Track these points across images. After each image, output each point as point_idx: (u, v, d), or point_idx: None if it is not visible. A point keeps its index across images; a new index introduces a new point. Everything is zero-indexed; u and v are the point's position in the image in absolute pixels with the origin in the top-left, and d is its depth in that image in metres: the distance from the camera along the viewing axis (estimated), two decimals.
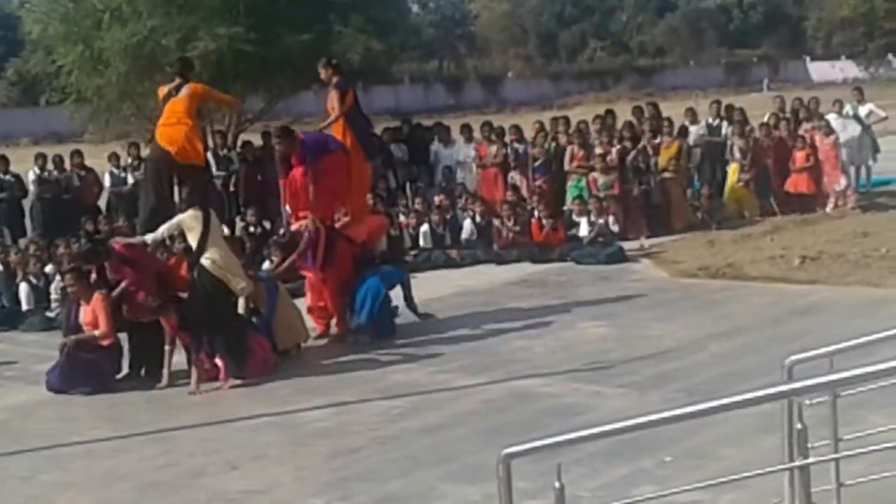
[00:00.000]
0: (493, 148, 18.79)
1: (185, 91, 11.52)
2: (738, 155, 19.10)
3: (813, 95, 21.55)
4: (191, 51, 17.93)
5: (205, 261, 10.68)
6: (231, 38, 18.46)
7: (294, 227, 12.57)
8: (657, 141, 18.77)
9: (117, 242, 11.47)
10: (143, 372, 11.06)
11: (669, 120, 19.51)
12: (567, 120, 20.01)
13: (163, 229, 10.97)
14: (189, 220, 10.81)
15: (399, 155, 19.23)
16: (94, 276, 11.25)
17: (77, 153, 19.14)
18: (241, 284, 10.91)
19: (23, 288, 14.35)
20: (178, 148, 11.47)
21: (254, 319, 11.49)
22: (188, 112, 11.44)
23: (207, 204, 11.51)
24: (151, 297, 10.62)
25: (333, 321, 12.37)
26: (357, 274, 12.23)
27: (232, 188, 18.51)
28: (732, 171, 19.15)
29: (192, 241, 10.79)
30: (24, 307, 14.25)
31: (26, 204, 18.86)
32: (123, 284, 10.97)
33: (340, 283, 12.22)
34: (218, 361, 10.67)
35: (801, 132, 19.61)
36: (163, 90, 11.94)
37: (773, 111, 20.65)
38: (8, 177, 18.70)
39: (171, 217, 11.07)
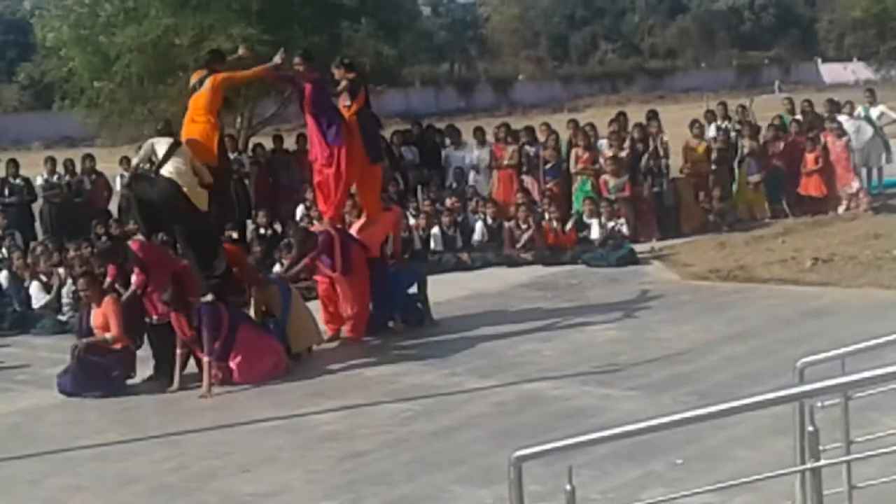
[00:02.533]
0: (510, 150, 18.76)
1: (206, 84, 11.49)
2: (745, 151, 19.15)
3: (829, 97, 21.49)
4: (205, 50, 17.96)
5: (165, 172, 10.96)
6: (245, 39, 18.49)
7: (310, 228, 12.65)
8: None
9: (135, 241, 11.47)
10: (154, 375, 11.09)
11: (698, 122, 19.54)
12: (576, 123, 20.01)
13: (140, 154, 11.36)
14: (160, 143, 11.14)
15: (410, 157, 19.22)
16: (109, 279, 11.28)
17: (89, 157, 19.20)
18: (200, 188, 11.14)
19: (34, 286, 14.40)
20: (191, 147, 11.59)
21: (269, 323, 11.51)
22: (208, 107, 11.42)
23: (221, 205, 11.72)
24: (164, 292, 10.64)
25: (345, 326, 12.39)
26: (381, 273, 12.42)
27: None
28: (740, 172, 19.14)
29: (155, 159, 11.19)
30: (36, 305, 14.29)
31: (36, 208, 18.91)
32: (133, 287, 10.98)
33: (356, 289, 12.23)
34: (231, 364, 10.67)
35: (810, 134, 19.56)
36: (196, 76, 11.90)
37: (785, 114, 20.64)
38: (17, 181, 18.72)
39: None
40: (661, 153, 18.64)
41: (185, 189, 10.86)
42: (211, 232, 11.40)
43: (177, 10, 19.43)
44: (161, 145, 11.09)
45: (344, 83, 12.51)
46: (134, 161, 11.80)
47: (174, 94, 19.47)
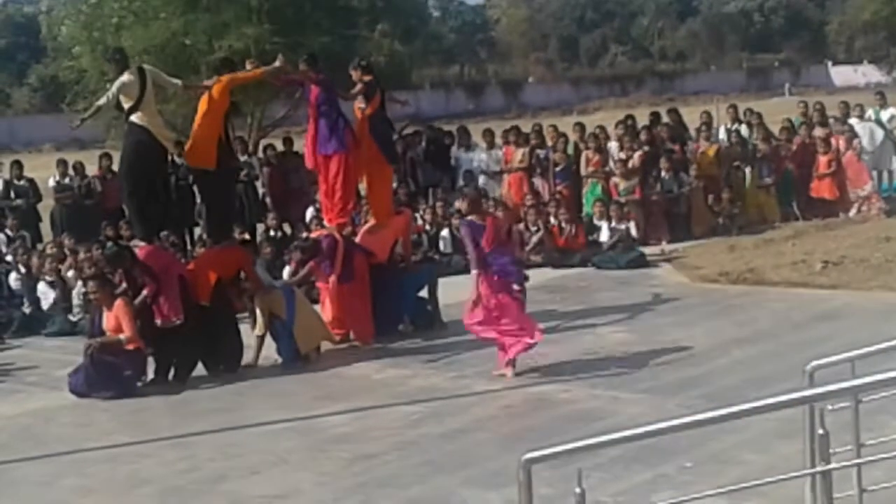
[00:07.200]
0: (520, 152, 18.76)
1: (212, 86, 11.57)
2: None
3: (841, 100, 21.44)
4: (216, 52, 17.99)
5: (134, 118, 11.26)
6: (257, 39, 18.49)
7: (315, 234, 12.65)
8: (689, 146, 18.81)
9: (142, 248, 11.46)
10: (170, 376, 11.11)
11: (707, 125, 19.48)
12: (583, 126, 20.00)
13: (110, 92, 11.54)
14: (128, 83, 11.33)
15: (419, 158, 19.22)
16: (122, 283, 11.28)
17: (106, 156, 19.00)
18: (170, 138, 11.65)
19: (41, 286, 14.44)
20: (188, 151, 11.69)
21: (276, 327, 11.53)
22: (209, 111, 11.49)
23: (225, 209, 11.83)
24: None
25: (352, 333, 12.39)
26: (388, 278, 12.43)
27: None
28: (752, 175, 19.11)
29: (126, 104, 11.35)
30: (45, 306, 14.32)
31: (42, 209, 18.90)
32: (144, 293, 10.98)
33: (352, 298, 12.21)
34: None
35: (816, 132, 19.54)
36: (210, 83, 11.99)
37: (798, 115, 20.62)
38: (22, 182, 18.71)
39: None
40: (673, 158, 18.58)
41: (156, 135, 11.19)
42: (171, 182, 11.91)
43: (186, 10, 19.46)
44: (132, 86, 11.20)
45: (360, 85, 12.52)
46: (101, 100, 11.87)
47: (184, 95, 19.52)
